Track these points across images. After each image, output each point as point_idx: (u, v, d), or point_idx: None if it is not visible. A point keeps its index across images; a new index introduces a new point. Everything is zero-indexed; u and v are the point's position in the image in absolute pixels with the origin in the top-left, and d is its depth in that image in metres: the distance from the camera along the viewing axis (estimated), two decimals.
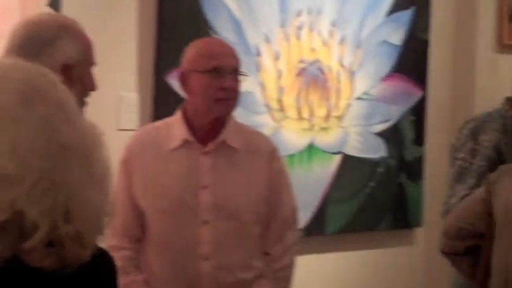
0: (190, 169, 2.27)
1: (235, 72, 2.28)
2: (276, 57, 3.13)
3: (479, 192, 2.52)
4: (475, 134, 2.88)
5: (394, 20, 3.42)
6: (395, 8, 3.42)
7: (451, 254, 2.55)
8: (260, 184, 2.32)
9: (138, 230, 2.32)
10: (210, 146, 2.28)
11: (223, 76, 2.23)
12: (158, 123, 2.43)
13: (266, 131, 3.06)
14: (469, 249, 2.51)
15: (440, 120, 3.61)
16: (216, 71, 2.23)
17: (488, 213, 2.43)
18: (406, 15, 3.46)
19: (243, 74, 2.31)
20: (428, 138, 3.57)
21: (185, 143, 2.28)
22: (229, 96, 2.26)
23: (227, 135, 2.29)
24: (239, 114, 3.07)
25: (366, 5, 3.34)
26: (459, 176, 2.79)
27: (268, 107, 3.13)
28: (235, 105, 2.30)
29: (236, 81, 2.28)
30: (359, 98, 3.35)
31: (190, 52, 2.31)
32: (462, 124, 3.01)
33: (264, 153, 2.36)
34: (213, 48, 2.31)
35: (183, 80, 2.29)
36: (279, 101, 3.15)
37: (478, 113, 3.13)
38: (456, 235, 2.52)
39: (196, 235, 2.26)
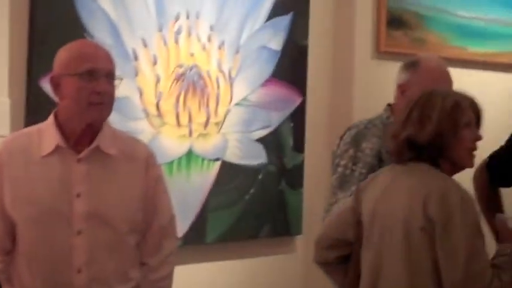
0: (63, 177, 2.17)
1: (109, 75, 2.18)
2: (154, 62, 3.04)
3: (349, 201, 2.54)
4: (356, 141, 2.89)
5: (273, 25, 3.40)
6: (274, 14, 3.40)
7: (324, 264, 2.55)
8: (136, 192, 2.24)
9: (9, 242, 2.20)
10: (84, 152, 2.17)
11: (97, 79, 2.14)
12: (29, 128, 2.31)
13: (144, 138, 2.97)
14: (341, 258, 2.52)
15: (319, 126, 3.62)
16: (90, 74, 2.13)
17: (357, 222, 2.45)
18: (285, 20, 3.44)
19: (117, 78, 2.22)
20: (308, 145, 3.57)
21: (58, 149, 2.17)
22: (103, 101, 2.16)
23: (101, 141, 2.20)
24: (115, 120, 2.97)
25: (245, 10, 3.30)
26: (341, 183, 2.80)
27: (146, 112, 3.04)
28: (110, 110, 2.20)
29: (110, 85, 2.18)
30: (238, 104, 3.31)
31: (63, 55, 2.20)
32: (344, 131, 3.02)
33: (140, 160, 2.27)
34: (86, 51, 2.20)
35: (55, 84, 2.18)
36: (157, 106, 3.07)
37: (356, 119, 3.14)
38: (328, 245, 2.53)
39: (70, 246, 2.15)
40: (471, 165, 2.44)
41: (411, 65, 2.99)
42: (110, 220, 2.19)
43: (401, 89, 2.90)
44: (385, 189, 2.42)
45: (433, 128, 2.36)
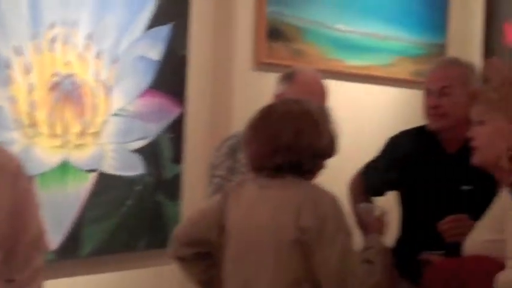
0: None
1: None
2: (28, 71, 2.95)
3: (215, 202, 2.54)
4: (233, 151, 2.91)
5: (153, 35, 3.37)
6: (153, 24, 3.37)
7: (180, 259, 2.56)
8: (3, 205, 2.15)
9: None
10: None
11: None
12: None
13: (16, 148, 2.89)
14: (198, 255, 2.53)
15: (198, 138, 3.60)
16: None
17: (221, 226, 2.46)
18: (164, 30, 3.41)
19: None
20: (186, 156, 3.55)
21: None
22: None
23: None
24: None
25: (123, 20, 3.25)
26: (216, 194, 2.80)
27: (18, 122, 2.94)
28: None
29: None
30: (116, 115, 3.25)
31: None
32: (221, 142, 3.03)
33: (8, 172, 2.18)
34: None
35: None
36: (31, 116, 2.98)
37: (236, 130, 3.15)
38: (187, 241, 2.53)
39: None
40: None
41: (287, 77, 3.05)
42: None
43: (277, 99, 2.94)
44: (251, 202, 2.43)
45: (328, 135, 2.41)
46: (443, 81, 3.09)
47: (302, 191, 2.37)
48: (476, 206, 2.71)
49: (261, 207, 2.40)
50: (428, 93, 3.14)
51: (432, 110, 3.10)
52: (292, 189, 2.38)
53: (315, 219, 2.31)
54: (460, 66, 3.15)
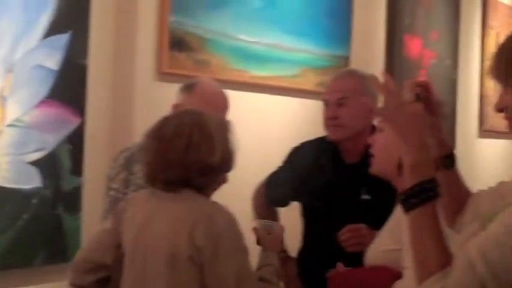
0: None
1: None
2: None
3: (107, 222, 2.49)
4: (129, 163, 2.88)
5: (50, 44, 3.26)
6: (51, 32, 3.27)
7: (79, 287, 2.49)
8: None
9: None
10: None
11: None
12: None
13: None
14: (98, 282, 2.47)
15: (98, 149, 3.51)
16: None
17: (117, 246, 2.41)
18: (62, 39, 3.32)
19: None
20: (86, 168, 3.45)
21: None
22: None
23: None
24: None
25: (18, 28, 3.14)
26: (112, 207, 2.76)
27: None
28: None
29: None
30: (11, 125, 3.14)
31: None
32: (117, 153, 2.98)
33: None
34: None
35: None
36: None
37: (137, 141, 3.09)
38: (86, 269, 2.47)
39: None
40: None
41: (188, 88, 3.04)
42: None
43: (176, 109, 2.92)
44: (147, 217, 2.37)
45: (221, 150, 2.37)
46: (340, 93, 3.13)
47: (197, 207, 2.33)
48: (376, 215, 2.74)
49: (155, 223, 2.36)
50: (326, 104, 3.18)
51: (330, 121, 3.14)
52: (186, 205, 2.33)
53: (210, 237, 2.27)
54: (356, 78, 3.20)
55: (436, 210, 1.67)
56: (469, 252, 1.56)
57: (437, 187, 1.68)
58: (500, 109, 1.72)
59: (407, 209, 1.67)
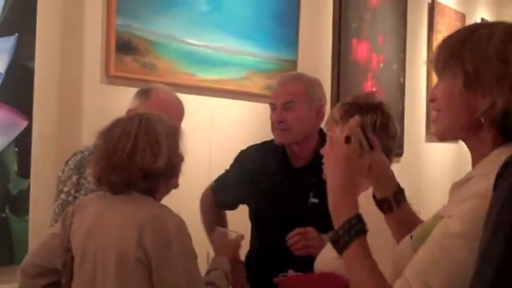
0: None
1: None
2: None
3: (56, 226, 2.49)
4: (80, 167, 2.87)
5: None
6: None
7: None
8: None
9: None
10: None
11: None
12: None
13: None
14: (49, 286, 2.47)
15: (46, 151, 3.51)
16: None
17: (66, 249, 2.41)
18: (9, 41, 3.31)
19: None
20: (34, 171, 3.45)
21: None
22: None
23: None
24: None
25: None
26: (63, 210, 2.76)
27: None
28: None
29: None
30: None
31: None
32: (70, 156, 2.98)
33: None
34: None
35: None
36: None
37: (84, 144, 3.10)
38: (35, 273, 2.47)
39: None
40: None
41: (143, 93, 3.04)
42: None
43: (130, 114, 2.92)
44: (96, 219, 2.38)
45: (165, 157, 2.37)
46: (286, 97, 3.16)
47: (146, 210, 2.34)
48: (324, 219, 2.78)
49: (104, 224, 2.36)
50: (273, 108, 3.21)
51: (277, 124, 3.17)
52: (135, 207, 2.35)
53: (158, 240, 2.28)
54: (303, 81, 3.22)
55: (367, 246, 1.68)
56: (408, 280, 1.58)
57: (364, 223, 1.69)
58: (431, 99, 1.75)
59: (340, 250, 1.69)
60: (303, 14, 5.07)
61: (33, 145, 3.44)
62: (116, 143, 2.37)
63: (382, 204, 1.95)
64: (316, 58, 5.33)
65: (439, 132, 1.72)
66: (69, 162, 2.96)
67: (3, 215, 3.32)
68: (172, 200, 2.57)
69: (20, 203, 3.39)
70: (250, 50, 4.57)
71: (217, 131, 4.37)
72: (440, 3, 7.31)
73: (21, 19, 3.38)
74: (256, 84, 4.61)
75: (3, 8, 3.29)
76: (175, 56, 4.03)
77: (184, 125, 2.78)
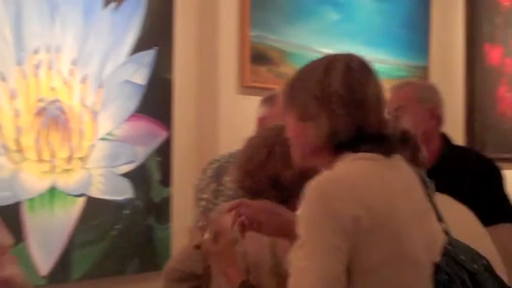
0: None
1: None
2: (13, 96, 2.97)
3: (196, 234, 2.53)
4: (218, 174, 2.92)
5: (137, 59, 3.39)
6: (138, 48, 3.40)
7: None
8: None
9: None
10: None
11: None
12: None
13: (3, 173, 2.90)
14: None
15: (186, 160, 3.61)
16: None
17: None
18: (149, 55, 3.44)
19: None
20: (175, 179, 3.55)
21: None
22: None
23: None
24: None
25: (107, 45, 3.28)
26: (203, 217, 2.80)
27: (5, 148, 2.95)
28: None
29: None
30: (103, 139, 3.26)
31: None
32: (206, 165, 3.04)
33: None
34: None
35: None
36: (17, 141, 2.98)
37: (222, 153, 3.16)
38: (177, 277, 2.53)
39: None
40: None
41: (269, 99, 3.07)
42: None
43: (261, 122, 2.96)
44: None
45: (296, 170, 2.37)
46: (396, 103, 3.15)
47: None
48: None
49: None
50: None
51: None
52: None
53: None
54: (410, 86, 3.24)
55: None
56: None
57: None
58: None
59: None
60: (434, 20, 5.02)
61: (173, 154, 3.55)
62: (254, 150, 2.40)
63: None
64: (448, 64, 5.26)
65: (295, 163, 1.93)
66: (207, 171, 3.02)
67: (148, 223, 3.43)
68: None
69: (162, 211, 3.50)
70: (381, 57, 4.55)
71: None
72: None
73: (159, 34, 3.51)
74: (387, 91, 4.57)
75: (143, 24, 3.42)
76: None
77: None
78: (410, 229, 1.70)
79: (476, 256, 2.00)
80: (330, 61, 1.80)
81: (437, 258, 1.82)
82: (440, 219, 1.99)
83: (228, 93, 3.74)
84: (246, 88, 3.78)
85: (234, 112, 3.73)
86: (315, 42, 4.11)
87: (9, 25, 2.95)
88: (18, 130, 2.99)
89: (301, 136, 1.80)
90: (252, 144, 2.43)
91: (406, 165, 1.89)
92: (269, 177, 2.34)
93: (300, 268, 1.55)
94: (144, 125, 3.42)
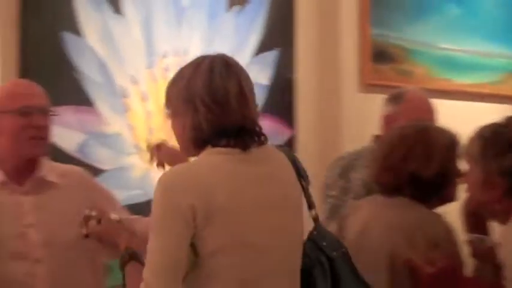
0: (12, 210, 2.23)
1: (43, 111, 2.26)
2: (144, 98, 3.08)
3: (332, 228, 2.55)
4: (345, 171, 2.93)
5: (261, 60, 3.46)
6: (261, 49, 3.46)
7: None
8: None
9: None
10: (28, 184, 2.26)
11: (31, 115, 2.22)
12: None
13: (136, 172, 3.01)
14: None
15: (310, 158, 3.63)
16: (23, 111, 2.22)
17: None
18: (271, 56, 3.50)
19: (53, 114, 2.29)
20: None
21: (2, 185, 2.24)
22: (40, 135, 2.24)
23: (43, 171, 2.28)
24: (107, 155, 3.01)
25: (232, 46, 3.36)
26: (332, 214, 2.83)
27: (137, 148, 3.06)
28: (48, 144, 2.29)
29: (45, 120, 2.26)
30: None
31: None
32: (333, 162, 3.06)
33: (79, 184, 2.35)
34: (18, 90, 2.30)
35: None
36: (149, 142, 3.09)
37: (344, 150, 3.18)
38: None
39: (30, 275, 2.20)
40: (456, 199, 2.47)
41: (396, 97, 3.04)
42: (66, 246, 2.23)
43: (387, 120, 2.94)
44: (365, 221, 2.42)
45: (438, 165, 2.36)
46: None
47: (413, 215, 2.34)
48: None
49: (374, 227, 2.40)
50: None
51: None
52: (403, 211, 2.36)
53: (426, 245, 2.28)
54: None
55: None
56: None
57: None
58: None
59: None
60: None
61: (297, 152, 3.59)
62: (393, 146, 2.40)
63: None
64: None
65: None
66: (334, 168, 3.03)
67: None
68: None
69: None
70: (502, 51, 4.46)
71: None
72: None
73: (281, 34, 3.56)
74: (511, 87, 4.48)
75: (265, 26, 3.48)
76: (431, 62, 4.04)
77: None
78: (254, 218, 1.82)
79: (336, 243, 2.08)
80: (197, 63, 1.93)
81: (296, 243, 1.93)
82: (310, 206, 2.06)
83: (349, 92, 3.75)
84: (367, 86, 3.79)
85: (356, 110, 3.74)
86: (437, 38, 4.08)
87: (140, 30, 3.06)
88: (150, 131, 3.09)
89: (174, 131, 1.96)
90: (391, 141, 2.44)
91: (277, 157, 2.06)
92: (410, 174, 2.35)
93: (149, 250, 1.74)
94: (268, 124, 3.47)
